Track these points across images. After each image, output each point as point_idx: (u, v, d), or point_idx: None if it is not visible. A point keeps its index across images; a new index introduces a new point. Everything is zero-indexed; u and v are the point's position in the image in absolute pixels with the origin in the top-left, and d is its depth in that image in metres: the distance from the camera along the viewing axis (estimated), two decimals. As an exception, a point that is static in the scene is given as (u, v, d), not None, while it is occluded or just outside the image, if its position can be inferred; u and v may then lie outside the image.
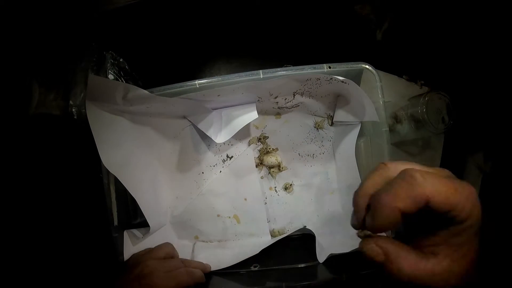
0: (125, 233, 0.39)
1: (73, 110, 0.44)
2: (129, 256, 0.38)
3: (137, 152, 0.40)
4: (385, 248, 0.19)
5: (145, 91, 0.35)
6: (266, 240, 0.43)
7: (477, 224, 0.18)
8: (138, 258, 0.38)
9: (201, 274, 0.38)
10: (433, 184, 0.17)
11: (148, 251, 0.39)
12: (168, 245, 0.41)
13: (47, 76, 0.44)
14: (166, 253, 0.39)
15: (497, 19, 0.43)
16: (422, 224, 0.20)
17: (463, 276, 0.19)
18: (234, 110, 0.42)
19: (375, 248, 0.20)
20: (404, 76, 0.48)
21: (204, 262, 0.41)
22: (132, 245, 0.39)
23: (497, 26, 0.44)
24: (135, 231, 0.40)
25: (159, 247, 0.40)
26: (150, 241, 0.40)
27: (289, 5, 0.50)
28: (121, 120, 0.38)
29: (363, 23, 0.49)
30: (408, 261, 0.19)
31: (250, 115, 0.41)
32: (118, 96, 0.35)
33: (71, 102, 0.44)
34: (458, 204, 0.17)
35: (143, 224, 0.40)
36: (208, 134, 0.41)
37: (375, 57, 0.42)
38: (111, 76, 0.46)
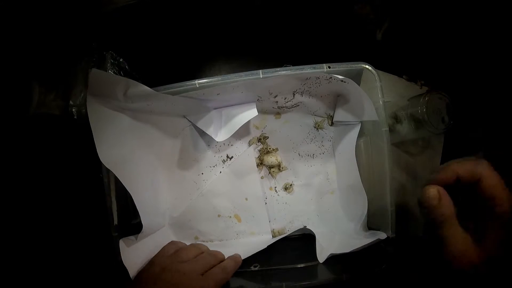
0: (121, 242, 0.37)
1: (73, 110, 0.44)
2: (141, 265, 0.35)
3: (136, 151, 0.40)
4: (443, 194, 0.21)
5: (147, 87, 0.35)
6: (267, 239, 0.43)
7: None
8: (162, 263, 0.35)
9: (234, 266, 0.37)
10: (489, 170, 0.20)
11: (173, 254, 0.37)
12: (196, 245, 0.39)
13: (47, 76, 0.45)
14: (196, 251, 0.38)
15: (497, 19, 0.43)
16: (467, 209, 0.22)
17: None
18: (234, 108, 0.42)
19: (434, 191, 0.21)
20: (404, 76, 0.48)
21: None
22: (127, 246, 0.37)
23: (497, 26, 0.44)
24: (133, 237, 0.39)
25: (186, 247, 0.38)
26: (149, 242, 0.40)
27: (289, 5, 0.50)
28: (121, 117, 0.38)
29: (363, 23, 0.49)
30: (456, 230, 0.20)
31: (250, 113, 0.40)
32: (119, 92, 0.34)
33: (71, 102, 0.44)
34: (503, 196, 0.19)
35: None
36: (208, 132, 0.41)
37: (375, 57, 0.42)
38: (111, 76, 0.46)
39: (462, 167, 0.21)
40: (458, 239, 0.20)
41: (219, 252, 0.40)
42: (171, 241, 0.39)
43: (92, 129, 0.33)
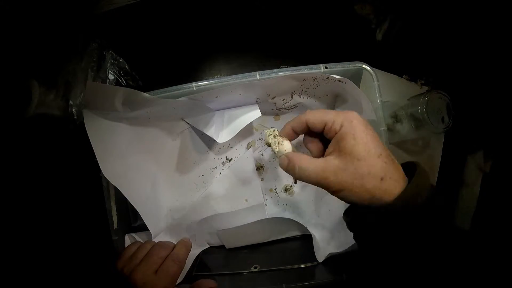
0: (127, 237, 0.38)
1: (73, 110, 0.45)
2: None
3: (136, 158, 0.40)
4: (289, 156, 0.29)
5: (146, 94, 0.35)
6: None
7: (356, 126, 0.25)
8: (120, 268, 0.34)
9: (185, 251, 0.36)
10: (310, 113, 0.29)
11: (126, 261, 0.35)
12: (140, 244, 0.37)
13: (47, 76, 0.44)
14: (144, 252, 0.36)
15: (497, 18, 0.43)
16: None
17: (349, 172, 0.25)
18: (237, 110, 0.42)
19: (283, 158, 0.29)
20: (404, 76, 0.48)
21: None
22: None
23: (497, 26, 0.44)
24: (135, 235, 0.40)
25: (136, 252, 0.36)
26: None
27: (290, 5, 0.50)
28: (119, 126, 0.38)
29: (363, 23, 0.49)
30: (304, 160, 0.27)
31: (253, 114, 0.40)
32: (118, 101, 0.34)
33: (71, 102, 0.44)
34: (329, 120, 0.27)
35: (143, 227, 0.40)
36: (209, 134, 0.41)
37: (375, 57, 0.42)
38: (111, 76, 0.46)
39: (292, 123, 0.30)
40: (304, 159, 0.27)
41: (170, 242, 0.38)
42: (129, 244, 0.37)
43: (92, 144, 0.33)
